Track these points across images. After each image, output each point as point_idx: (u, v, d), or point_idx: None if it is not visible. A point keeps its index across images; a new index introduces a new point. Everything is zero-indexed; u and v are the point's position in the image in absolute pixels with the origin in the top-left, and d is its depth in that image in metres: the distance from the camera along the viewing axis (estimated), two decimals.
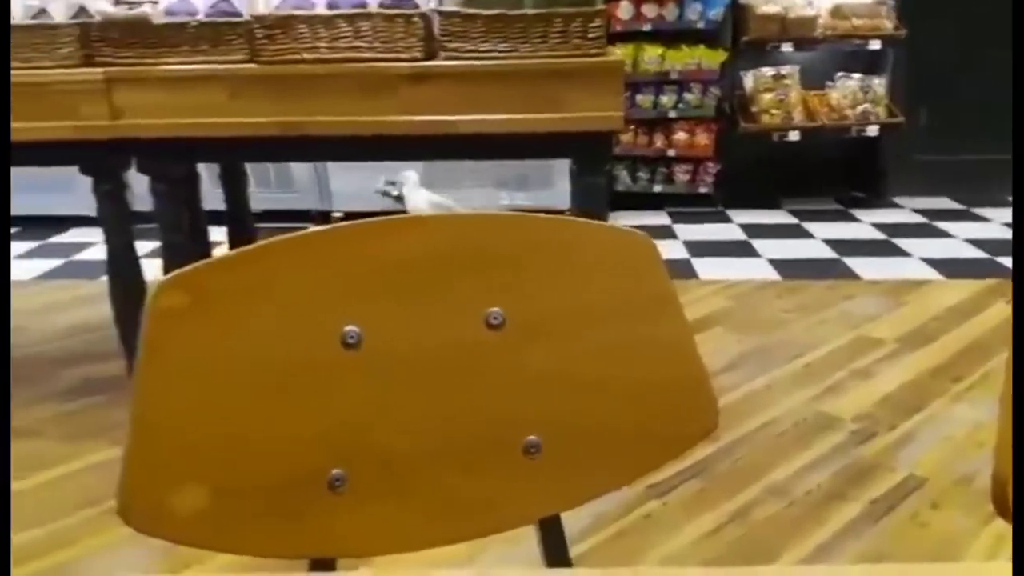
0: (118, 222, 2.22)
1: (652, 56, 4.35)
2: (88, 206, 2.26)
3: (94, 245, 3.97)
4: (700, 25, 4.36)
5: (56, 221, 4.32)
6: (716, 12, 4.35)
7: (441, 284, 0.72)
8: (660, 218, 4.46)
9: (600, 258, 0.77)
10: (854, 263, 3.70)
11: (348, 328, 0.69)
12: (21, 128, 2.06)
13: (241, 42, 2.02)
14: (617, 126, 2.05)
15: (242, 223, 2.96)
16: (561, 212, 1.71)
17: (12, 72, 2.04)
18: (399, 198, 3.85)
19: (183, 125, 2.06)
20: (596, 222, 0.78)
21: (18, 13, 2.21)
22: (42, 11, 2.22)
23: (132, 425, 0.65)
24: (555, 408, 0.75)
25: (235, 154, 2.59)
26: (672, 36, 4.39)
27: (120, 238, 2.23)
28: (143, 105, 2.06)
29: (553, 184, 4.17)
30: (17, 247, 4.12)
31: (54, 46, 2.08)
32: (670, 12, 4.36)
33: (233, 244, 2.96)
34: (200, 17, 2.07)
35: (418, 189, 3.69)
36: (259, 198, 3.34)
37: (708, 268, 3.67)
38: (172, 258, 2.19)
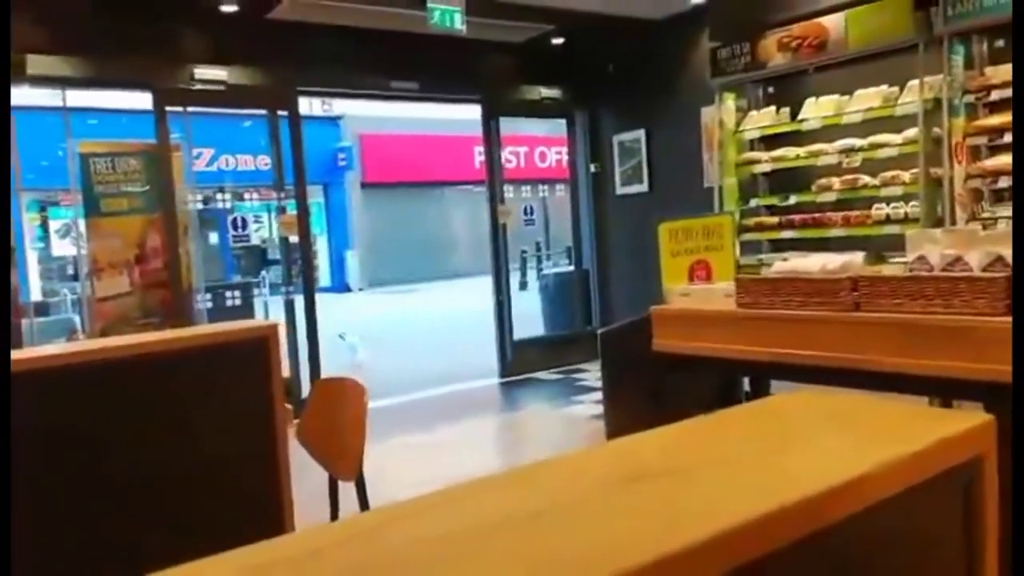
0: None
1: None
2: None
3: None
4: None
5: None
6: None
7: None
8: None
9: None
10: None
11: None
12: (927, 364, 2.29)
13: None
14: None
15: None
16: None
17: (933, 315, 2.30)
18: (345, 340, 7.62)
19: None
20: None
21: (936, 262, 2.48)
22: (958, 259, 2.44)
23: None
24: None
25: None
26: None
27: None
28: None
29: None
30: None
31: (974, 295, 2.26)
32: None
33: None
34: None
35: (356, 338, 7.78)
36: None
37: None
38: None
